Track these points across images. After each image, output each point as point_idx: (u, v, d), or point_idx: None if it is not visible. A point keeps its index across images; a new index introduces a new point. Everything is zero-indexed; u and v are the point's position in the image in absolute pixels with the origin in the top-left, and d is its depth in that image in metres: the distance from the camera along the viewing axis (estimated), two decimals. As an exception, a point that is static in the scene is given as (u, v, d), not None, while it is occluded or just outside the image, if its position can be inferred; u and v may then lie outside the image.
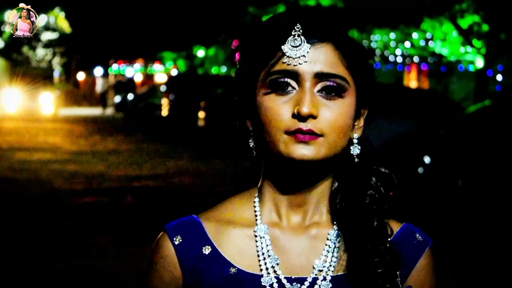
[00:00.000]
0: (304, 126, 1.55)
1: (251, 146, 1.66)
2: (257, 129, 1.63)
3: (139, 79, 57.26)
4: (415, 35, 26.63)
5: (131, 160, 18.39)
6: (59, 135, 25.56)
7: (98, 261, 8.57)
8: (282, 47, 1.57)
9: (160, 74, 53.34)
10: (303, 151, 1.55)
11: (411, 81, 36.11)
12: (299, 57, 1.56)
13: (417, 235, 1.73)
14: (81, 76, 57.90)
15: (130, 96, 41.54)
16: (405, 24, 25.26)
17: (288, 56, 1.57)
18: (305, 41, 1.57)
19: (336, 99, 1.58)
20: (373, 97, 1.69)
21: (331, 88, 1.58)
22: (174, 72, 46.92)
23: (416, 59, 32.03)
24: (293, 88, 1.57)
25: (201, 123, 26.51)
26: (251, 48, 1.64)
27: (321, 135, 1.56)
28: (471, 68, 26.04)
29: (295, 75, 1.57)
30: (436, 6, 22.77)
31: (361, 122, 1.68)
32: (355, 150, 1.65)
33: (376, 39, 29.97)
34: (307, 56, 1.56)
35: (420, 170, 12.49)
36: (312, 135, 1.55)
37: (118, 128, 31.46)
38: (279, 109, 1.57)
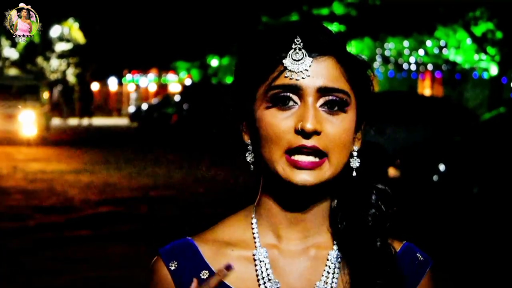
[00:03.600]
0: (307, 142, 1.50)
1: (248, 160, 1.61)
2: (255, 144, 1.58)
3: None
4: (429, 42, 26.60)
5: (145, 170, 18.41)
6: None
7: (113, 271, 8.57)
8: (284, 61, 1.52)
9: (174, 83, 53.42)
10: (304, 177, 1.51)
11: (425, 89, 36.05)
12: (301, 71, 1.51)
13: (418, 255, 1.68)
14: (95, 86, 58.09)
15: (144, 106, 41.65)
16: (419, 32, 25.22)
17: (290, 70, 1.52)
18: (306, 54, 1.52)
19: (339, 114, 1.53)
20: (372, 109, 1.64)
21: (334, 103, 1.53)
22: (188, 82, 47.00)
23: (430, 66, 32.02)
24: (295, 103, 1.52)
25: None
26: (250, 61, 1.60)
27: (325, 153, 1.51)
28: (485, 75, 26.00)
29: (297, 90, 1.52)
30: (450, 14, 22.74)
31: (360, 134, 1.62)
32: (355, 163, 1.60)
33: (390, 47, 29.94)
34: (309, 70, 1.52)
35: (435, 178, 12.46)
36: (317, 155, 1.51)
37: (132, 137, 31.53)
38: (281, 124, 1.52)
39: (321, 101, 1.53)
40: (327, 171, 1.53)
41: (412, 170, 13.01)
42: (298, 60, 1.52)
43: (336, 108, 1.53)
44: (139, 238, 10.24)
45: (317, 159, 1.52)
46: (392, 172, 13.06)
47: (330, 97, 1.53)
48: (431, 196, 12.51)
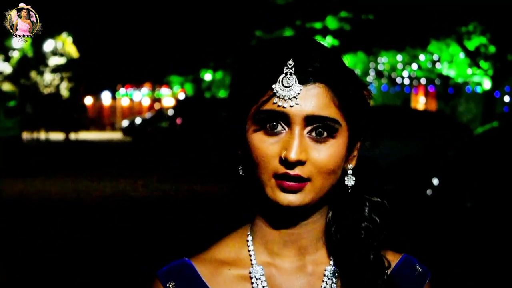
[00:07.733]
0: (291, 172, 1.49)
1: (240, 173, 1.61)
2: (247, 162, 1.57)
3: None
4: (422, 57, 26.68)
5: (139, 184, 18.38)
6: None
7: (104, 286, 8.56)
8: (273, 86, 1.50)
9: (168, 98, 53.50)
10: (289, 198, 1.50)
11: (419, 103, 36.13)
12: (290, 99, 1.49)
13: (417, 266, 1.67)
14: (88, 100, 58.11)
15: (138, 120, 41.67)
16: (412, 46, 25.30)
17: (278, 97, 1.49)
18: (297, 81, 1.49)
19: (327, 140, 1.52)
20: (367, 129, 1.62)
21: (322, 131, 1.51)
22: (181, 96, 47.05)
23: (423, 81, 32.10)
24: (283, 128, 1.51)
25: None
26: (242, 82, 1.57)
27: (308, 180, 1.50)
28: (479, 89, 26.07)
29: (285, 117, 1.50)
30: (443, 28, 22.82)
31: (355, 152, 1.61)
32: (350, 181, 1.59)
33: (384, 61, 30.02)
34: (298, 98, 1.49)
35: (429, 192, 12.47)
36: (300, 181, 1.50)
37: (126, 152, 31.49)
38: (267, 150, 1.51)
39: (309, 128, 1.51)
40: (309, 193, 1.51)
41: (405, 184, 13.02)
42: (288, 87, 1.49)
43: (324, 135, 1.52)
44: (134, 253, 10.21)
45: (300, 183, 1.50)
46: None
47: (318, 125, 1.51)
48: (425, 209, 12.52)
